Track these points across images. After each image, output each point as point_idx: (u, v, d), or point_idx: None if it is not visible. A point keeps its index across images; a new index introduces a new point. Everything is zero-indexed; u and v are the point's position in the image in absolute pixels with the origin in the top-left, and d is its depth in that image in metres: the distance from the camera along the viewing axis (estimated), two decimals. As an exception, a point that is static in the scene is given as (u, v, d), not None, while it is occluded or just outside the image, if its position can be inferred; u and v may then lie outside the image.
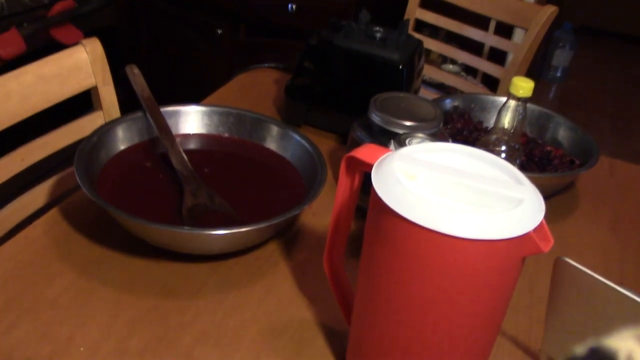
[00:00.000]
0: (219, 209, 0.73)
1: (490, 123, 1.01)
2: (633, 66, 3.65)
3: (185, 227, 0.67)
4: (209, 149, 0.85)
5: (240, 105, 0.90)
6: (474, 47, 1.59)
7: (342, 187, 0.59)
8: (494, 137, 0.75)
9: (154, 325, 0.63)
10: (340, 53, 0.96)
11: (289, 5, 2.00)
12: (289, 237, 0.78)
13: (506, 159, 0.73)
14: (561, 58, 3.30)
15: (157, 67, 2.23)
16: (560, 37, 3.25)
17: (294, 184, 0.80)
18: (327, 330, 0.66)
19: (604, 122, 3.00)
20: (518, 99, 0.71)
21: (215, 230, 0.66)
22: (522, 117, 0.72)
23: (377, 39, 0.98)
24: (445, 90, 1.95)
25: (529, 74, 1.07)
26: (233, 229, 0.67)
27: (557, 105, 3.08)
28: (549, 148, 0.94)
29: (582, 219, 0.89)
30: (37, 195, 0.87)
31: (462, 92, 1.55)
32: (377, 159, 0.54)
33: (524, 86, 0.70)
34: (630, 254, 0.84)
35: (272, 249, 0.75)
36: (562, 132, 0.96)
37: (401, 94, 0.86)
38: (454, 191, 0.50)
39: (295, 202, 0.76)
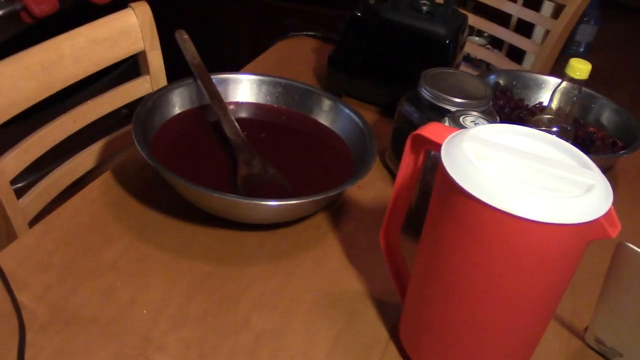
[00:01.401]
0: (272, 179, 0.74)
1: (532, 101, 1.01)
2: (657, 43, 3.60)
3: (241, 197, 0.68)
4: (258, 118, 0.86)
5: (281, 74, 0.90)
6: (500, 20, 1.57)
7: (406, 164, 0.59)
8: (546, 117, 0.75)
9: (211, 291, 0.65)
10: (386, 25, 0.96)
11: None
12: (335, 209, 0.79)
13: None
14: (585, 33, 3.26)
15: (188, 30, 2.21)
16: (586, 11, 3.20)
17: (342, 157, 0.81)
18: (378, 302, 0.67)
19: (625, 98, 2.98)
20: (574, 80, 0.71)
21: (269, 201, 0.67)
22: (577, 99, 0.72)
23: (424, 11, 0.97)
24: (471, 62, 1.94)
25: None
26: (287, 200, 0.68)
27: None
28: (591, 129, 0.94)
29: (623, 201, 0.90)
30: (88, 157, 0.88)
31: (501, 68, 1.55)
32: (444, 138, 0.55)
33: (581, 68, 0.70)
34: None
35: (320, 221, 0.77)
36: (606, 114, 0.96)
37: (450, 70, 0.86)
38: (523, 173, 0.51)
39: (343, 175, 0.77)
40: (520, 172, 0.51)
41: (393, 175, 0.86)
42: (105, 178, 0.76)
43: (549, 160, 0.53)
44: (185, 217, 0.73)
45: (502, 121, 0.89)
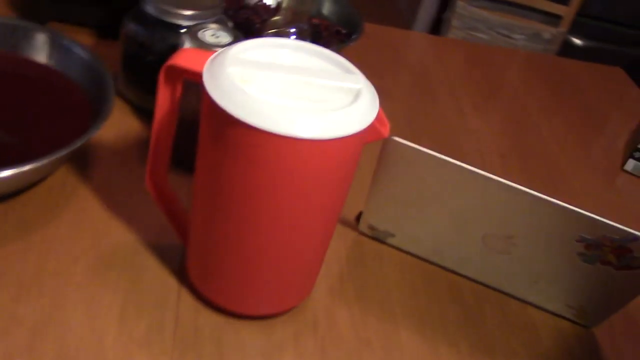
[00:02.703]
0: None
1: None
2: None
3: None
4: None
5: None
6: None
7: (162, 99, 0.53)
8: (280, 19, 0.73)
9: (-45, 293, 0.53)
10: None
11: None
12: (80, 158, 0.69)
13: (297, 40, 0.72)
14: None
15: None
16: None
17: (73, 98, 0.70)
18: (158, 249, 0.62)
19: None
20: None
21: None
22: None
23: None
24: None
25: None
26: (21, 167, 0.56)
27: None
28: (315, 21, 0.95)
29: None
30: None
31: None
32: (202, 64, 0.50)
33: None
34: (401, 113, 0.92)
35: (64, 175, 0.67)
36: (327, 4, 0.98)
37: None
38: (292, 90, 0.49)
39: (79, 119, 0.67)
40: (289, 89, 0.49)
41: (132, 104, 0.78)
42: None
43: (314, 71, 0.51)
44: None
45: (243, 28, 0.85)
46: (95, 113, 0.67)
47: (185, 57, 0.51)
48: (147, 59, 0.74)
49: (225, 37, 0.67)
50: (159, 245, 0.62)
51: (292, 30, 0.72)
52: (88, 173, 0.68)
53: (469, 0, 1.64)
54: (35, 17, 0.85)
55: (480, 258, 0.65)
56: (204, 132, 0.50)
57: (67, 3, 0.88)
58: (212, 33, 0.68)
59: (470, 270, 0.67)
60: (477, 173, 0.58)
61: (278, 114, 0.45)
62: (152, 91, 0.77)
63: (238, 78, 0.48)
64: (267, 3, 0.99)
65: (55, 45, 0.73)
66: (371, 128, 0.49)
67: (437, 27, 2.32)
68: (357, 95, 0.49)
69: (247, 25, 0.88)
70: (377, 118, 0.50)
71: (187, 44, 0.66)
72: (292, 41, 0.53)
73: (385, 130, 0.51)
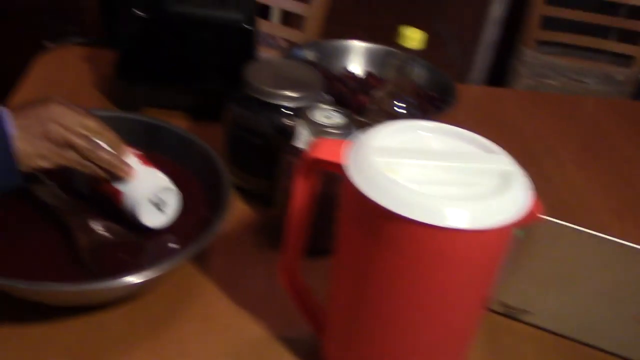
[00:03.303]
0: (119, 238, 0.61)
1: (338, 68, 0.98)
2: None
3: (106, 280, 0.54)
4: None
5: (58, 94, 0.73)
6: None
7: (299, 191, 0.51)
8: (388, 93, 0.72)
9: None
10: (177, 21, 0.84)
11: None
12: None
13: (409, 114, 0.71)
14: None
15: None
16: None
17: (190, 188, 0.70)
18: (289, 341, 0.60)
19: (361, 34, 3.16)
20: (409, 50, 0.68)
21: (130, 276, 0.54)
22: (414, 68, 0.70)
23: (211, -2, 0.87)
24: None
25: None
26: (156, 267, 0.55)
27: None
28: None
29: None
30: None
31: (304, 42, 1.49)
32: (341, 155, 0.48)
33: (415, 37, 0.67)
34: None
35: (187, 269, 0.65)
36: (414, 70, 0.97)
37: (269, 60, 0.79)
38: (438, 175, 0.47)
39: (199, 211, 0.67)
40: (434, 175, 0.47)
41: (240, 189, 0.77)
42: None
43: (456, 154, 0.49)
44: (26, 320, 0.57)
45: (336, 101, 0.84)
46: (211, 202, 0.66)
47: (325, 149, 0.49)
48: (253, 141, 0.74)
49: (337, 117, 0.66)
50: (290, 337, 0.60)
51: (401, 104, 0.71)
52: (208, 263, 0.67)
53: (537, 47, 1.62)
54: (130, 105, 0.86)
55: (633, 335, 0.60)
56: (345, 220, 0.49)
57: (159, 88, 0.89)
58: (323, 113, 0.67)
59: (619, 347, 0.63)
60: (630, 247, 0.54)
61: (429, 204, 0.43)
62: (257, 173, 0.76)
63: (383, 167, 0.46)
64: (354, 73, 0.99)
65: (169, 134, 0.73)
66: (529, 213, 0.47)
67: (497, 75, 2.30)
68: (505, 177, 0.47)
69: (339, 97, 0.88)
70: (533, 201, 0.48)
71: (301, 126, 0.65)
72: (424, 123, 0.52)
73: (539, 212, 0.49)
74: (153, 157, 0.65)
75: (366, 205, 0.45)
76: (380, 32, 3.13)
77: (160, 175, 0.64)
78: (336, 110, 0.67)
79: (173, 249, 0.62)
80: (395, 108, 0.73)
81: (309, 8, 1.40)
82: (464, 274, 0.47)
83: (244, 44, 0.86)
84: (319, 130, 0.64)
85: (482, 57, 2.39)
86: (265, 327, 0.61)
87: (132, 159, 0.62)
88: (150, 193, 0.62)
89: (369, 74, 0.98)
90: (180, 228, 0.65)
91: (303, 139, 0.65)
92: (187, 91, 0.89)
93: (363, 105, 0.89)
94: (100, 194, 0.63)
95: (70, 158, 0.58)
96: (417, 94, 0.91)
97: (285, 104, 0.72)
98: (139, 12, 0.84)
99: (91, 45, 1.03)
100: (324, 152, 0.49)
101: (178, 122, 0.87)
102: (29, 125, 0.56)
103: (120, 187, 0.61)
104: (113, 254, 0.59)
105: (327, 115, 0.66)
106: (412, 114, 0.72)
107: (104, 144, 0.59)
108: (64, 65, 0.98)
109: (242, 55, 0.86)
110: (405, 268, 0.46)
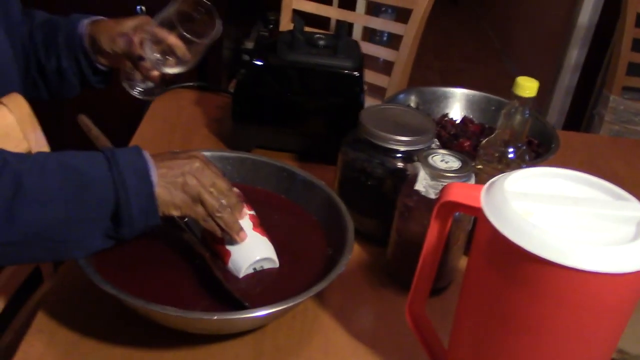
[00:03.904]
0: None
1: (437, 114, 1.01)
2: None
3: (249, 311, 0.58)
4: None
5: (172, 137, 0.79)
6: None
7: (433, 233, 0.54)
8: (499, 139, 0.74)
9: None
10: (290, 68, 0.89)
11: (138, 8, 1.84)
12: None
13: (519, 160, 0.73)
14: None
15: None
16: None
17: (307, 222, 0.74)
18: (410, 377, 0.62)
19: (434, 77, 3.19)
20: (523, 99, 0.71)
21: (249, 312, 0.58)
22: (528, 116, 0.72)
23: (321, 46, 0.93)
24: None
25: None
26: (268, 309, 0.58)
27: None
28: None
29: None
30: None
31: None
32: (475, 199, 0.51)
33: (530, 86, 0.70)
34: None
35: (307, 303, 0.69)
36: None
37: (382, 106, 0.83)
38: (574, 220, 0.49)
39: (319, 245, 0.70)
40: (569, 219, 0.49)
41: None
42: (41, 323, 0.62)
43: (588, 200, 0.51)
44: (159, 345, 0.61)
45: (448, 145, 0.87)
46: (331, 241, 0.70)
47: (459, 192, 0.52)
48: (366, 183, 0.77)
49: (453, 162, 0.69)
50: (409, 373, 0.62)
51: (511, 150, 0.74)
52: (325, 299, 0.70)
53: (621, 94, 1.62)
54: (243, 146, 0.92)
55: None
56: (479, 261, 0.51)
57: (270, 130, 0.94)
58: (440, 158, 0.70)
59: None
60: None
61: (568, 247, 0.45)
62: (370, 214, 0.79)
63: (521, 211, 0.48)
64: (452, 118, 1.02)
65: (292, 178, 0.77)
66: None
67: (575, 122, 2.29)
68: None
69: (440, 141, 0.91)
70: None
71: (421, 170, 0.68)
72: (553, 169, 0.54)
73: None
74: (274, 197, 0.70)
75: (504, 247, 0.47)
76: (452, 75, 3.18)
77: (267, 244, 0.68)
78: (452, 155, 0.70)
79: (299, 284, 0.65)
80: (508, 154, 0.75)
81: (398, 55, 1.45)
82: (601, 317, 0.48)
83: (352, 90, 0.91)
84: (437, 174, 0.67)
85: (559, 101, 2.38)
86: (384, 361, 0.63)
87: (247, 222, 0.67)
88: (254, 261, 0.66)
89: (466, 119, 1.01)
90: (303, 266, 0.68)
91: (422, 182, 0.68)
92: (295, 133, 0.93)
93: (464, 149, 0.92)
94: (211, 248, 0.67)
95: (198, 212, 0.63)
96: (528, 141, 0.93)
97: (397, 147, 0.75)
98: (257, 62, 0.89)
99: (203, 89, 1.09)
100: (460, 195, 0.52)
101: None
102: (172, 176, 0.61)
103: (229, 247, 0.66)
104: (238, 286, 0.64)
105: (445, 160, 0.69)
106: (522, 160, 0.74)
107: (227, 205, 0.64)
108: (178, 107, 1.05)
109: (349, 100, 0.90)
110: (539, 308, 0.48)
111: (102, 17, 0.82)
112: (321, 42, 0.93)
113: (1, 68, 0.73)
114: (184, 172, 0.62)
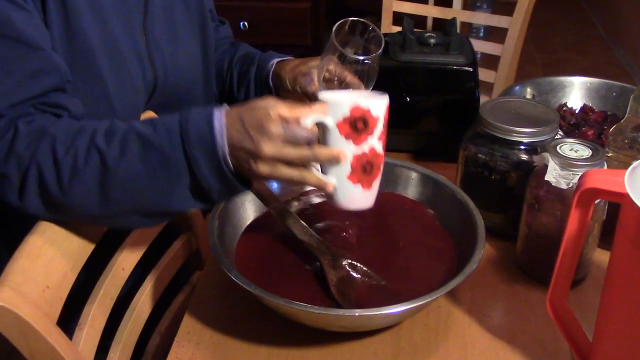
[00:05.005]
0: (365, 278, 0.66)
1: (554, 104, 0.98)
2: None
3: (368, 310, 0.59)
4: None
5: None
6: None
7: (574, 222, 0.53)
8: (630, 125, 0.72)
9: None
10: (406, 68, 0.90)
11: (241, 23, 1.91)
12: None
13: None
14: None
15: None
16: (477, -2, 3.31)
17: (433, 228, 0.74)
18: (553, 371, 0.61)
19: (539, 71, 3.09)
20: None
21: (388, 308, 0.58)
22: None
23: (432, 44, 0.93)
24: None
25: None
26: (404, 305, 0.59)
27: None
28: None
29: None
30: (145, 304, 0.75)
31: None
32: (618, 184, 0.50)
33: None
34: None
35: (439, 300, 0.69)
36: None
37: (501, 99, 0.82)
38: None
39: (446, 248, 0.71)
40: None
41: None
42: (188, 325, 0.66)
43: None
44: (299, 343, 0.64)
45: (569, 135, 0.85)
46: (459, 239, 0.71)
47: (597, 179, 0.51)
48: (491, 178, 0.76)
49: (583, 150, 0.67)
50: (553, 366, 0.61)
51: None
52: (456, 295, 0.70)
53: None
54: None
55: None
56: (629, 248, 0.50)
57: (389, 132, 0.94)
58: (569, 147, 0.68)
59: None
60: None
61: None
62: (495, 209, 0.78)
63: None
64: (571, 107, 0.99)
65: (426, 182, 0.78)
66: None
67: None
68: None
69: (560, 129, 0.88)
70: None
71: (550, 160, 0.67)
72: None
73: None
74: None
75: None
76: (556, 66, 3.06)
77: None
78: (581, 143, 0.68)
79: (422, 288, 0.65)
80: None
81: (504, 48, 1.42)
82: None
83: (467, 86, 0.90)
84: (569, 163, 0.66)
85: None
86: (521, 357, 0.62)
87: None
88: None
89: (586, 108, 0.97)
90: (431, 264, 0.69)
91: (552, 172, 0.66)
92: (412, 133, 0.94)
93: (588, 138, 0.89)
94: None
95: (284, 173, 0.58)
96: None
97: (523, 139, 0.74)
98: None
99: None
100: (602, 181, 0.51)
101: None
102: (239, 141, 0.57)
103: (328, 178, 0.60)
104: (357, 291, 0.65)
105: (574, 149, 0.68)
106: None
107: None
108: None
109: (465, 96, 0.90)
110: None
111: (290, 57, 0.84)
112: (432, 41, 0.93)
113: (190, 87, 0.82)
114: (256, 138, 0.57)
